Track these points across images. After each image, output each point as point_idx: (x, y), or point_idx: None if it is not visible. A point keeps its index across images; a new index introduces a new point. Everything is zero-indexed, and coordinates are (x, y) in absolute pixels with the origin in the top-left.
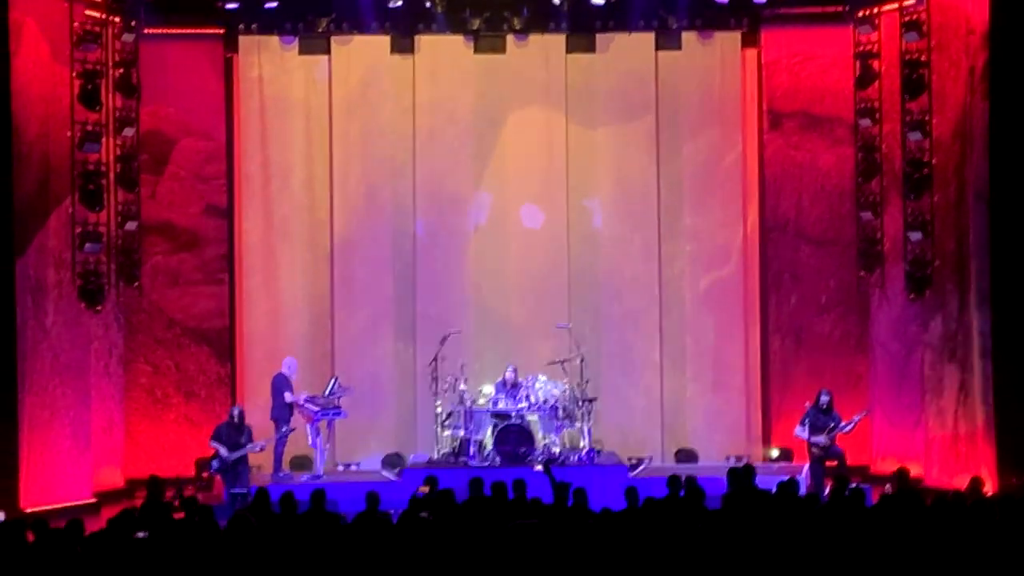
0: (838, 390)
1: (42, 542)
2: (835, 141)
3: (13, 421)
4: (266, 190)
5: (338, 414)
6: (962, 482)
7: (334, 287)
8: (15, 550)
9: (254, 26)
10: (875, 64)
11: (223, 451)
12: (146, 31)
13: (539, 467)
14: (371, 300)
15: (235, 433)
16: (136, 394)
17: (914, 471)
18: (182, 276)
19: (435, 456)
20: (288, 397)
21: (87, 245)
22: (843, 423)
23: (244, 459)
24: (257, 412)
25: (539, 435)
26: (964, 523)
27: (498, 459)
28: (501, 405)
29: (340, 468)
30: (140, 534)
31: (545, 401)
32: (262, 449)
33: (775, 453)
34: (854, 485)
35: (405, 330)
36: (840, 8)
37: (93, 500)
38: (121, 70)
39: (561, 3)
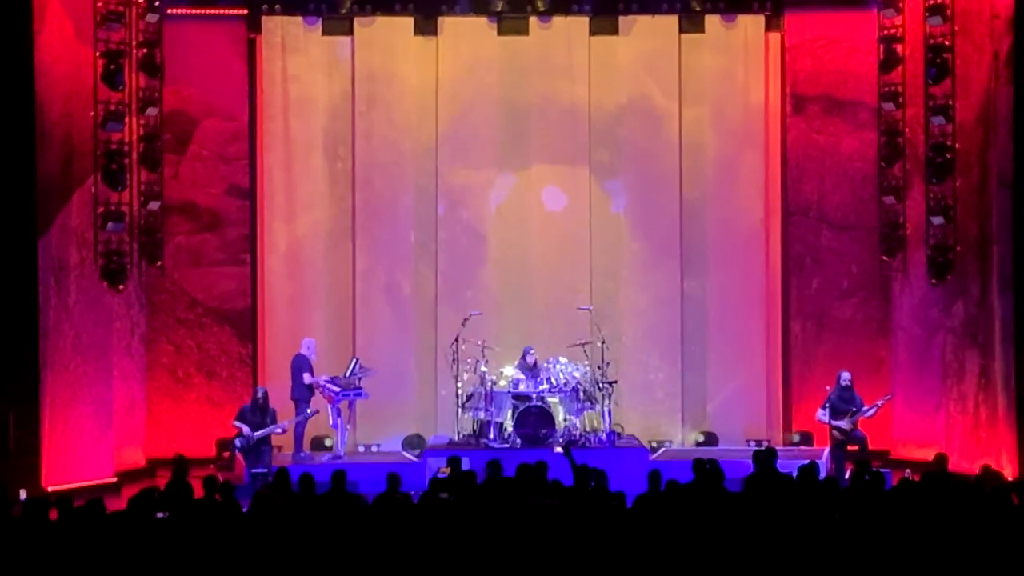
0: (859, 374)
1: (65, 521)
2: (858, 125)
3: (35, 400)
4: (288, 171)
5: (359, 395)
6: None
7: (356, 268)
8: (37, 528)
9: (277, 7)
10: (899, 48)
11: (246, 430)
12: (169, 11)
13: (559, 449)
14: (393, 281)
15: (259, 414)
16: (158, 374)
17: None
18: (204, 256)
19: (456, 438)
20: (307, 378)
21: (109, 225)
22: (865, 407)
23: (267, 439)
24: (278, 393)
25: (559, 417)
26: (983, 508)
27: (518, 441)
28: (522, 387)
29: (360, 449)
30: (160, 515)
31: (566, 383)
32: (284, 431)
33: (796, 438)
34: (874, 469)
35: (426, 311)
36: None
37: (114, 479)
38: (144, 50)
39: None
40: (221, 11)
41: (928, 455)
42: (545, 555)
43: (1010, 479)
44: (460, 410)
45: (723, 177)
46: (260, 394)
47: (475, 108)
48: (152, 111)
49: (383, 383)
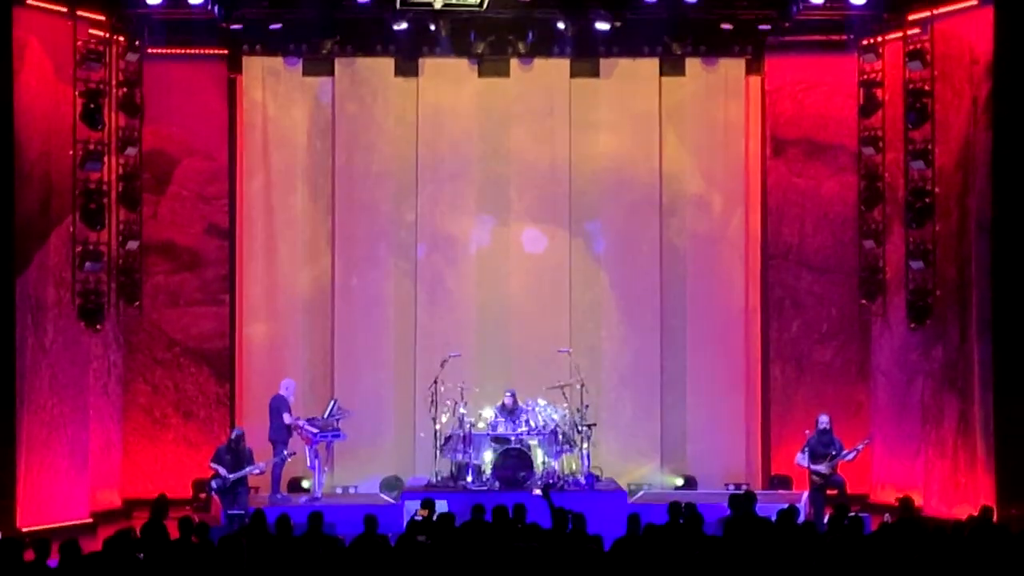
0: (839, 418)
1: (40, 562)
2: (838, 169)
3: (11, 440)
4: (268, 210)
5: (337, 436)
6: (962, 512)
7: (334, 309)
8: (12, 569)
9: (258, 47)
10: (879, 93)
11: (223, 471)
12: (150, 51)
13: (538, 492)
14: (371, 322)
15: (235, 455)
16: (135, 414)
17: (914, 500)
18: (183, 296)
19: (434, 480)
20: (286, 419)
21: (88, 264)
22: (845, 451)
23: (243, 480)
24: (256, 433)
25: (538, 460)
26: (962, 554)
27: (497, 484)
28: (500, 429)
29: (338, 491)
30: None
31: (545, 426)
32: (261, 472)
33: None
34: (853, 514)
35: (405, 353)
36: (844, 37)
37: (90, 520)
38: (124, 89)
39: (566, 28)
40: (202, 51)
41: (912, 499)
42: None
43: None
44: (438, 452)
45: (703, 219)
46: (236, 435)
47: (455, 149)
48: (131, 150)
49: (361, 424)
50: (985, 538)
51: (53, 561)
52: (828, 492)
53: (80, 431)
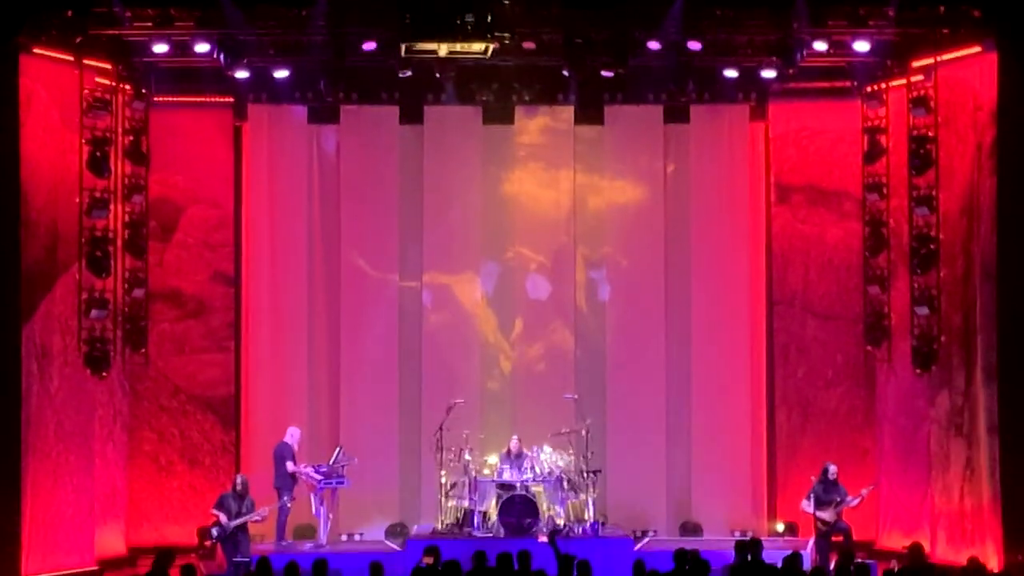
0: (844, 464)
1: None
2: (843, 215)
3: (16, 487)
4: (273, 258)
5: (341, 483)
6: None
7: (340, 355)
8: None
9: (264, 95)
10: (883, 139)
11: (223, 518)
12: (156, 99)
13: (544, 538)
14: (377, 369)
15: (238, 502)
16: (140, 461)
17: (923, 547)
18: (188, 343)
19: (439, 527)
20: (290, 467)
21: (93, 312)
22: (849, 497)
23: (244, 527)
24: (261, 481)
25: (544, 506)
26: None
27: (502, 530)
28: (506, 476)
29: (343, 538)
30: None
31: (550, 472)
32: (263, 518)
33: (780, 527)
34: (859, 560)
35: (410, 399)
36: (848, 83)
37: (95, 567)
38: (131, 137)
39: (570, 75)
40: (207, 99)
41: (922, 545)
42: None
43: (996, 571)
44: (444, 499)
45: (708, 266)
46: (239, 481)
47: (460, 196)
48: (138, 198)
49: (367, 471)
50: None
51: None
52: (833, 538)
53: (85, 478)
